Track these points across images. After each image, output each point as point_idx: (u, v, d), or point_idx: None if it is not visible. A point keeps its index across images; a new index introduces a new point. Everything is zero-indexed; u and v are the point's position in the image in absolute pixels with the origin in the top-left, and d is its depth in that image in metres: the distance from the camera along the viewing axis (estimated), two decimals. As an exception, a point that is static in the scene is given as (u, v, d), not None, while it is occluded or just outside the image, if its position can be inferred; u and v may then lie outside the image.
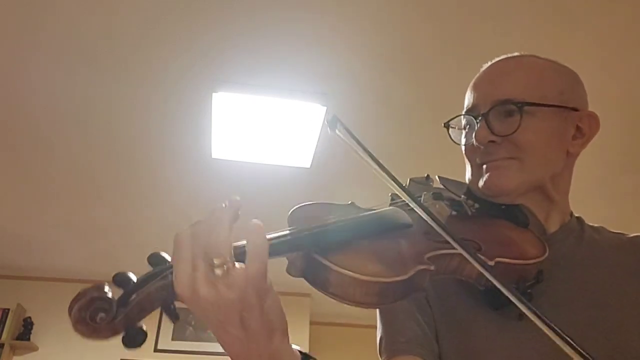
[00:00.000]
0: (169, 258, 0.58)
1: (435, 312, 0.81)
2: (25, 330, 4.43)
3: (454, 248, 0.66)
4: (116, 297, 0.53)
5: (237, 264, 0.51)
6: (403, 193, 0.66)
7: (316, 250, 0.58)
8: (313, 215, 0.65)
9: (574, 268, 0.79)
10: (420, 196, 0.80)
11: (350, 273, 0.57)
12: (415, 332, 0.78)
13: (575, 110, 0.83)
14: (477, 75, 0.89)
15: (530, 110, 0.79)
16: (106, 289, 0.53)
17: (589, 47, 2.26)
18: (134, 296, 0.54)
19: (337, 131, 0.69)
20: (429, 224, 0.69)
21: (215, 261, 0.50)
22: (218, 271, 0.50)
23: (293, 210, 0.67)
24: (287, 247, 0.58)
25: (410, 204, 0.66)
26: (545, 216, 0.84)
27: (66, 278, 4.71)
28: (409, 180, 0.87)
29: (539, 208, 0.83)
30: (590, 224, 0.90)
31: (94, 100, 2.66)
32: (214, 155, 3.05)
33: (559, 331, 0.52)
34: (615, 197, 3.23)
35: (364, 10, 2.15)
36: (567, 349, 0.51)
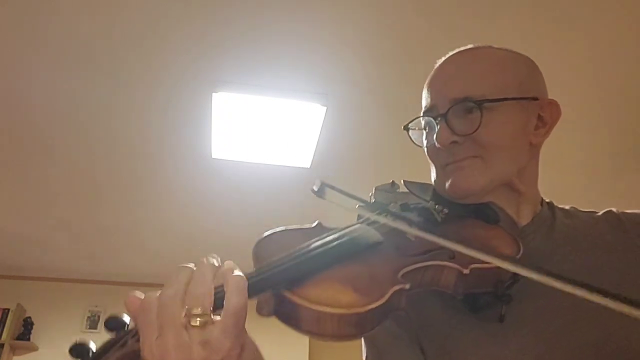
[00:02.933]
0: (127, 320, 0.55)
1: (414, 322, 0.78)
2: (25, 330, 4.43)
3: (427, 260, 0.64)
4: None
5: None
6: (377, 208, 0.64)
7: (284, 287, 0.55)
8: (277, 247, 0.61)
9: (550, 258, 0.78)
10: (388, 209, 0.76)
11: (323, 308, 0.53)
12: (400, 352, 0.76)
13: (535, 99, 0.81)
14: (432, 72, 0.86)
15: (490, 106, 0.76)
16: None
17: (582, 45, 2.26)
18: None
19: (326, 198, 0.66)
20: (400, 239, 0.67)
21: (195, 311, 0.48)
22: (197, 322, 0.48)
23: (256, 244, 0.64)
24: (253, 289, 0.54)
25: (386, 222, 0.63)
26: (515, 210, 0.82)
27: (66, 278, 4.71)
28: (374, 189, 0.85)
29: (508, 203, 0.81)
30: (561, 207, 0.88)
31: (94, 101, 2.66)
32: (214, 155, 3.05)
33: (579, 281, 0.49)
34: (606, 199, 3.22)
35: (363, 11, 2.15)
36: (591, 296, 0.48)
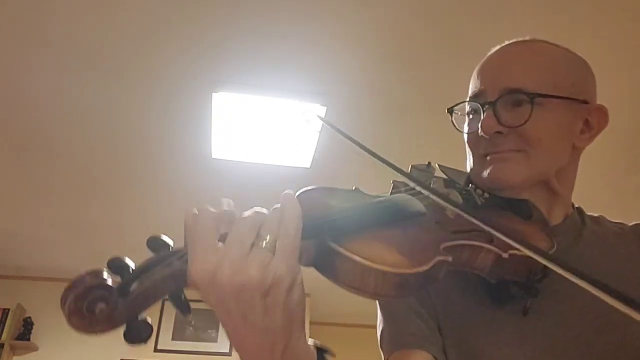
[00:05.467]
0: (171, 242, 0.53)
1: (436, 304, 0.78)
2: (25, 330, 4.43)
3: (466, 239, 0.64)
4: (115, 285, 0.47)
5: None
6: (419, 182, 0.63)
7: (332, 238, 0.54)
8: (320, 202, 0.61)
9: (578, 260, 0.77)
10: (431, 184, 0.77)
11: (371, 263, 0.52)
12: (419, 326, 0.76)
13: (585, 102, 0.79)
14: (484, 59, 0.84)
15: (541, 102, 0.75)
16: (105, 275, 0.48)
17: (589, 46, 2.26)
18: (135, 284, 0.48)
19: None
20: (442, 214, 0.66)
21: (266, 237, 0.48)
22: (264, 243, 0.47)
23: (298, 195, 0.61)
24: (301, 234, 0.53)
25: (423, 192, 0.63)
26: (548, 210, 0.82)
27: (66, 278, 4.66)
28: (410, 167, 0.84)
29: (542, 202, 0.81)
30: (590, 214, 0.88)
31: (94, 101, 2.66)
32: (214, 155, 3.05)
33: (603, 284, 0.48)
34: (620, 197, 3.22)
35: (363, 11, 2.15)
36: (610, 299, 0.46)
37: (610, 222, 0.87)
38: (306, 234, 0.52)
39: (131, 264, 0.50)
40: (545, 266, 0.70)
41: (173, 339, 4.56)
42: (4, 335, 4.33)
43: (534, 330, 0.70)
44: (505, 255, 0.64)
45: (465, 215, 0.60)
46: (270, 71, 2.47)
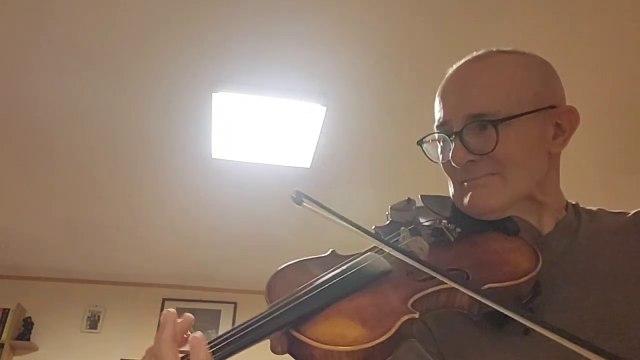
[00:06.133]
0: None
1: (437, 338, 0.77)
2: (25, 330, 4.43)
3: (439, 284, 0.64)
4: None
5: None
6: (378, 242, 0.64)
7: (292, 327, 0.57)
8: (287, 283, 0.63)
9: (574, 266, 0.75)
10: (398, 234, 0.76)
11: (332, 347, 0.54)
12: None
13: (553, 107, 0.78)
14: (443, 82, 0.83)
15: (506, 123, 0.74)
16: None
17: (586, 46, 2.27)
18: None
19: (304, 204, 0.68)
20: (411, 265, 0.67)
21: None
22: None
23: (268, 282, 0.65)
24: (264, 332, 0.57)
25: (387, 250, 0.64)
26: (537, 219, 0.80)
27: (66, 278, 4.71)
28: (389, 208, 0.83)
29: (530, 213, 0.80)
30: (589, 208, 0.86)
31: (94, 101, 2.66)
32: (214, 155, 3.05)
33: (569, 335, 0.49)
34: (617, 197, 3.23)
35: (363, 11, 2.15)
36: (582, 351, 0.48)
37: (610, 214, 0.84)
38: (272, 327, 0.57)
39: None
40: (534, 284, 0.69)
41: (173, 339, 4.56)
42: (4, 335, 4.33)
43: (536, 347, 0.69)
44: (478, 298, 0.64)
45: (420, 266, 0.60)
46: (270, 71, 2.47)
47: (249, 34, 2.27)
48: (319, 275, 0.64)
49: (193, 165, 3.18)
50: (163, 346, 0.57)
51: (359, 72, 2.48)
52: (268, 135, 2.87)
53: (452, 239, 0.77)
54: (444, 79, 0.84)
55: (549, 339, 0.69)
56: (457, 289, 0.63)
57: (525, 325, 0.69)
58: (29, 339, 4.39)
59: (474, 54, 0.83)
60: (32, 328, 4.46)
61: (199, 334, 0.57)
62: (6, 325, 4.37)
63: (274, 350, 0.59)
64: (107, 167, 3.22)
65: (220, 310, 4.67)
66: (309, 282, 0.62)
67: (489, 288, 0.64)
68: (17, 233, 4.05)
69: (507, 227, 0.76)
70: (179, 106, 2.70)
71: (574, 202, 0.86)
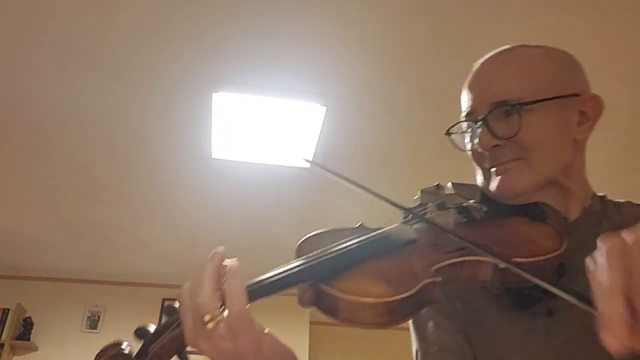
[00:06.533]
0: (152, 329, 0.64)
1: (464, 316, 0.81)
2: (25, 330, 4.43)
3: (462, 256, 0.67)
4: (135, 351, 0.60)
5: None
6: (407, 210, 0.68)
7: (321, 280, 0.61)
8: (319, 245, 0.67)
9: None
10: (425, 208, 0.80)
11: (355, 298, 0.58)
12: (445, 340, 0.79)
13: (576, 95, 0.81)
14: (470, 75, 0.87)
15: (529, 107, 0.77)
16: (124, 345, 0.61)
17: (589, 46, 2.26)
18: (151, 347, 0.60)
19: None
20: (437, 236, 0.70)
21: (206, 318, 0.55)
22: (210, 325, 0.55)
23: (300, 243, 0.69)
24: (291, 280, 0.61)
25: (417, 220, 0.67)
26: (564, 206, 0.82)
27: (66, 278, 4.71)
28: (419, 192, 0.86)
29: (556, 199, 0.81)
30: (616, 200, 0.88)
31: (95, 101, 2.66)
32: (214, 155, 3.05)
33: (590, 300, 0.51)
34: (620, 196, 3.22)
35: (363, 11, 2.15)
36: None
37: (636, 205, 0.87)
38: (301, 277, 0.61)
39: (151, 329, 0.62)
40: (559, 265, 0.71)
41: (173, 339, 4.56)
42: (4, 335, 4.33)
43: (558, 329, 0.71)
44: (502, 265, 0.67)
45: (450, 235, 0.65)
46: (270, 71, 2.47)
47: (249, 34, 2.27)
48: (344, 239, 0.68)
49: (193, 165, 3.18)
50: (201, 297, 0.56)
51: (358, 72, 2.48)
52: (268, 135, 2.88)
53: (479, 218, 0.80)
54: (470, 73, 0.87)
55: (572, 322, 0.71)
56: (481, 261, 0.67)
57: (547, 306, 0.71)
58: (29, 339, 4.40)
59: (499, 48, 0.86)
60: (32, 328, 4.46)
61: (235, 261, 0.61)
62: (6, 325, 4.37)
63: (300, 302, 0.62)
64: (107, 167, 3.22)
65: (220, 310, 4.68)
66: (335, 244, 0.66)
67: (513, 263, 0.67)
68: (17, 233, 4.05)
69: (533, 211, 0.79)
70: (179, 106, 2.70)
71: (601, 194, 0.88)
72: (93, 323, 4.61)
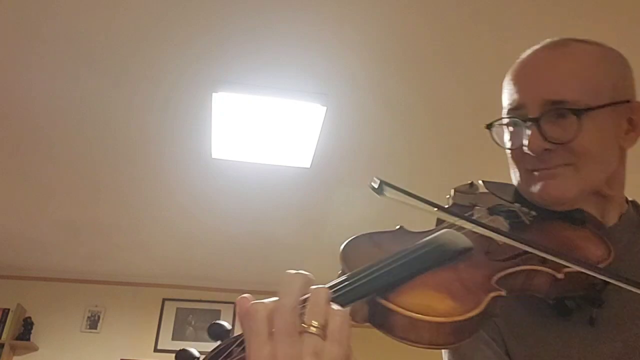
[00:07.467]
0: (229, 328, 0.55)
1: (500, 326, 0.75)
2: (25, 330, 4.42)
3: (518, 265, 0.63)
4: None
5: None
6: (468, 223, 0.62)
7: (379, 294, 0.54)
8: (365, 252, 0.62)
9: (636, 258, 0.75)
10: (473, 213, 0.75)
11: (421, 316, 0.52)
12: (486, 354, 0.74)
13: (628, 102, 0.76)
14: (517, 65, 0.80)
15: (587, 113, 0.72)
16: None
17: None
18: None
19: (386, 194, 0.63)
20: (488, 243, 0.65)
21: (314, 323, 0.47)
22: (315, 330, 0.47)
23: (343, 249, 0.63)
24: (347, 299, 0.53)
25: (472, 228, 0.63)
26: (602, 213, 0.79)
27: (66, 278, 4.71)
28: (453, 191, 0.82)
29: (596, 207, 0.79)
30: None
31: (94, 101, 2.66)
32: (214, 155, 3.05)
33: None
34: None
35: (364, 11, 2.15)
36: None
37: None
38: (355, 294, 0.53)
39: (197, 355, 0.54)
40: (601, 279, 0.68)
41: (173, 338, 4.56)
42: (4, 335, 4.33)
43: (604, 339, 0.69)
44: (560, 275, 0.63)
45: (515, 244, 0.59)
46: (270, 71, 2.47)
47: (249, 34, 2.27)
48: (394, 248, 0.61)
49: (193, 165, 3.18)
50: (319, 307, 0.48)
51: (358, 72, 2.48)
52: (268, 135, 2.87)
53: (527, 223, 0.75)
54: (517, 63, 0.80)
55: (614, 332, 0.69)
56: (537, 270, 0.62)
57: (591, 316, 0.69)
58: (29, 339, 4.39)
59: (549, 40, 0.80)
60: (32, 328, 4.46)
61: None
62: (6, 325, 4.37)
63: (353, 317, 0.55)
64: (107, 167, 3.22)
65: (220, 310, 4.67)
66: (389, 254, 0.60)
67: (568, 272, 0.63)
68: (17, 233, 4.05)
69: (574, 217, 0.76)
70: (179, 106, 2.70)
71: (631, 199, 0.86)
72: (93, 323, 4.60)
